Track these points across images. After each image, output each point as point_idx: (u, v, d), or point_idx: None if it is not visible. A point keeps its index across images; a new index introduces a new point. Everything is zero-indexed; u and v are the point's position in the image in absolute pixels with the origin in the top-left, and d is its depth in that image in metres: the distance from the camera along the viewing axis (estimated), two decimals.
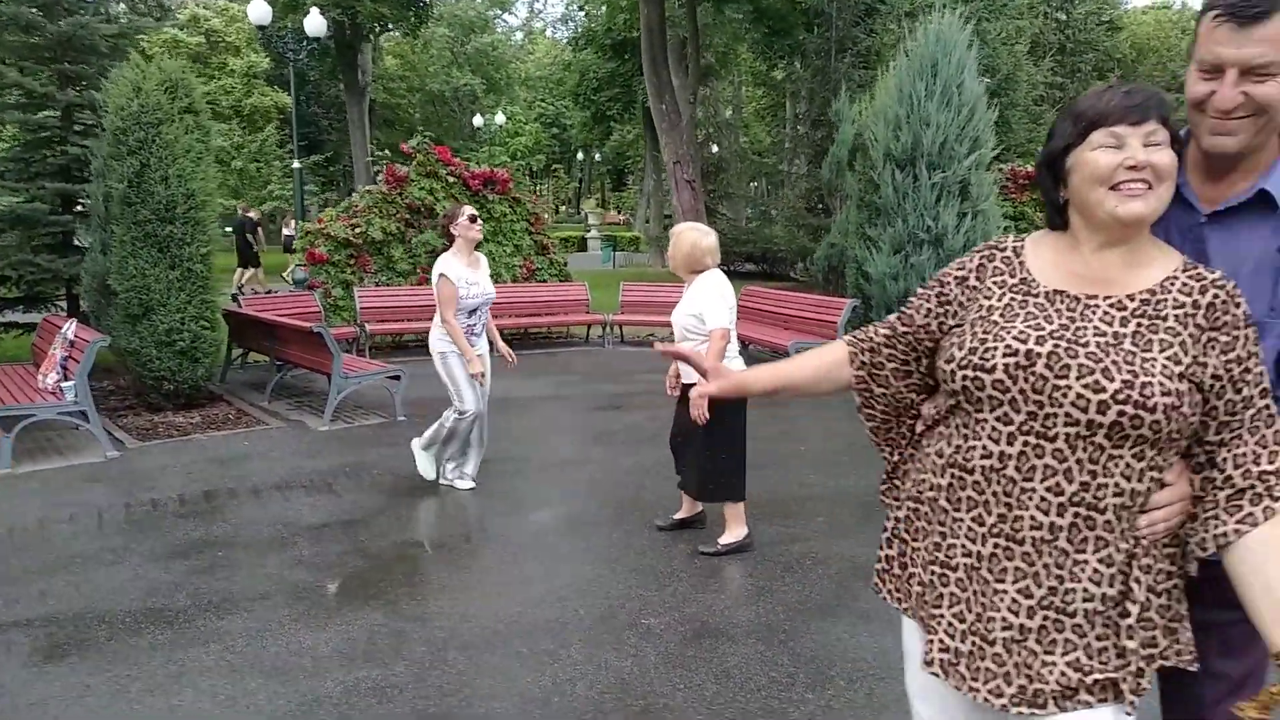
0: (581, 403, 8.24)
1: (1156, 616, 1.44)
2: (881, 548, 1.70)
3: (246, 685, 3.21)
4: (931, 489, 1.55)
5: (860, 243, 9.83)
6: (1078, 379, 1.36)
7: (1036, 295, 1.48)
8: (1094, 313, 1.43)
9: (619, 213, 47.69)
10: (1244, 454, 1.40)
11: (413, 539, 4.73)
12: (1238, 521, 1.38)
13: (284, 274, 18.27)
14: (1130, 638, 1.42)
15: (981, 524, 1.45)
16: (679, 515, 4.83)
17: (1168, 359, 1.38)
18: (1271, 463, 1.38)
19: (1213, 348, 1.40)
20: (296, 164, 16.18)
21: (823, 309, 9.83)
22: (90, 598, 3.96)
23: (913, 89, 9.46)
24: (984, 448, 1.44)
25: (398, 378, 7.55)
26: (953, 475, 1.50)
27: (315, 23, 16.84)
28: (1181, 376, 1.36)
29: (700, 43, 20.90)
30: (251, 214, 17.84)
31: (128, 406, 7.87)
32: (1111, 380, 1.35)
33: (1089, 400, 1.35)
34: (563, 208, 59.36)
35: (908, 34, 9.99)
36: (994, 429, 1.43)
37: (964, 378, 1.44)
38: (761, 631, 3.63)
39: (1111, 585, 1.41)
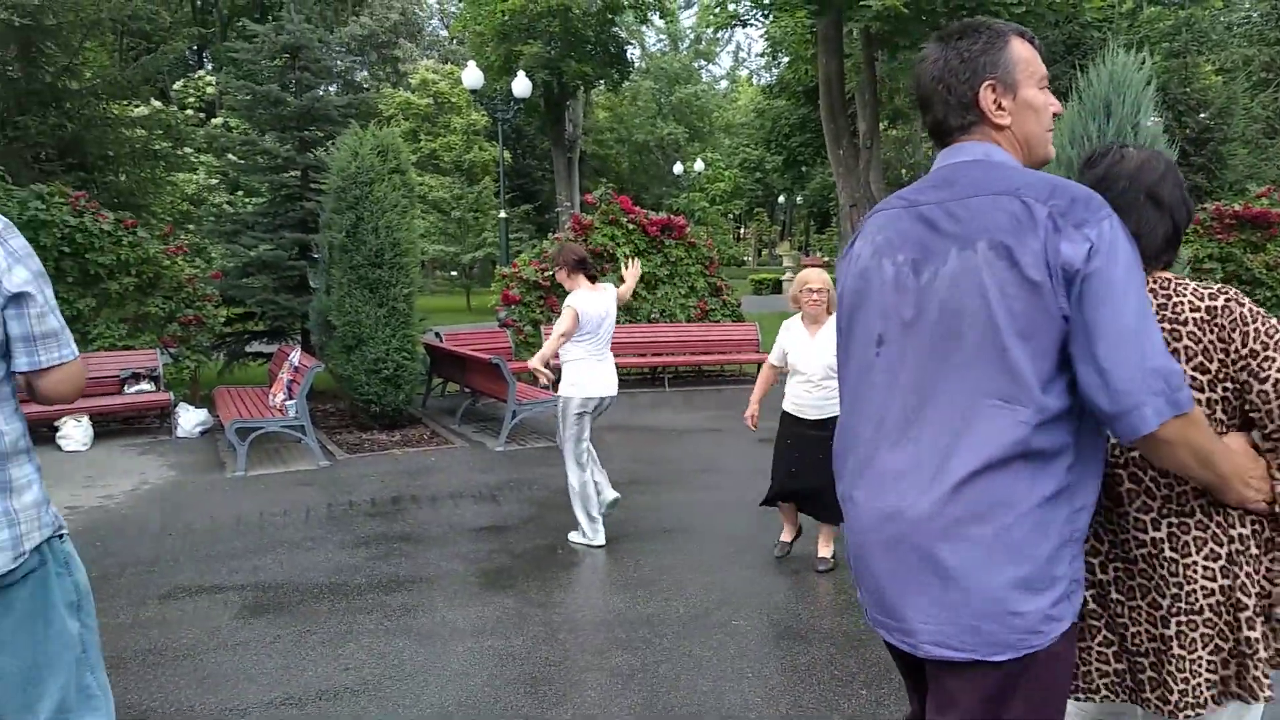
0: (733, 435, 8.70)
1: None
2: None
3: (394, 644, 3.94)
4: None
5: None
6: None
7: None
8: None
9: (820, 255, 47.66)
10: None
11: (552, 543, 5.39)
12: None
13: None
14: None
15: None
16: (787, 538, 5.16)
17: None
18: None
19: None
20: (503, 214, 17.68)
21: None
22: (290, 573, 4.87)
23: (1084, 130, 9.35)
24: None
25: None
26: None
27: (522, 85, 18.45)
28: None
29: (882, 89, 20.99)
30: None
31: (343, 425, 9.11)
32: None
33: None
34: (765, 250, 60.02)
35: (1080, 74, 9.91)
36: None
37: None
38: (836, 637, 3.98)
39: None
